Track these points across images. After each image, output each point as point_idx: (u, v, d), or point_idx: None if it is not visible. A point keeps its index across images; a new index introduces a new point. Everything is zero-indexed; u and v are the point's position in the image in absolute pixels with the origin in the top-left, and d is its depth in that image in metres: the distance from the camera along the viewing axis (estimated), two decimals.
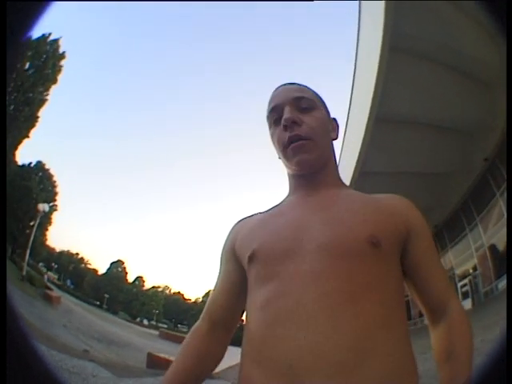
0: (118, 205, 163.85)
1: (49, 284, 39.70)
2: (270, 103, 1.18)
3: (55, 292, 31.22)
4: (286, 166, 1.16)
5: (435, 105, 13.66)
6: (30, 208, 36.95)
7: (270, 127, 1.18)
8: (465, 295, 21.81)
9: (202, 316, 1.22)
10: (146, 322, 78.29)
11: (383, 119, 13.83)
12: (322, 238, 0.95)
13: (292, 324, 0.84)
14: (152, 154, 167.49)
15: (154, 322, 79.28)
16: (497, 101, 13.08)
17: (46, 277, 52.08)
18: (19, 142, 32.70)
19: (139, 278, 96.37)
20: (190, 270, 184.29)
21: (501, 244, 17.85)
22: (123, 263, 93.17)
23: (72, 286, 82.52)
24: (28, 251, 28.58)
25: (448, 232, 24.00)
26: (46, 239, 47.20)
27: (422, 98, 13.31)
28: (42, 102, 34.03)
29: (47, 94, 34.27)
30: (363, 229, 0.96)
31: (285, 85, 1.21)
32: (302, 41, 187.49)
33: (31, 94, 31.61)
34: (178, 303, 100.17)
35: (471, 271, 21.69)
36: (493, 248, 18.69)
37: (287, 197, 1.20)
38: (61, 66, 34.99)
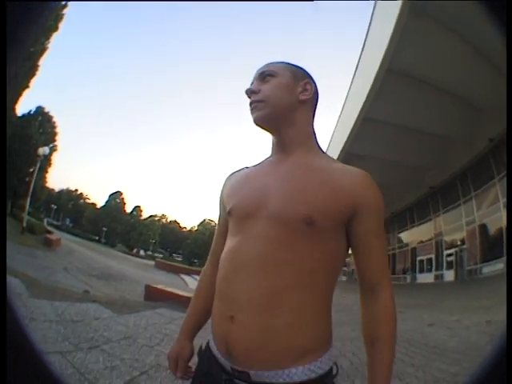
0: (115, 138, 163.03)
1: (49, 228, 39.44)
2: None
3: (55, 234, 30.84)
4: None
5: (449, 71, 13.24)
6: (29, 155, 36.13)
7: None
8: (449, 265, 21.99)
9: (208, 258, 1.50)
10: (142, 252, 78.07)
11: (394, 71, 13.48)
12: (271, 208, 1.15)
13: (238, 275, 1.13)
14: (146, 87, 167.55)
15: (150, 252, 79.45)
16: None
17: (45, 221, 51.63)
18: (20, 94, 30.92)
19: (137, 208, 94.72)
20: (186, 198, 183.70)
21: (492, 227, 17.55)
22: (121, 194, 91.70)
23: (71, 225, 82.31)
24: (28, 199, 27.98)
25: (442, 197, 23.56)
26: (46, 182, 45.87)
27: (436, 61, 12.90)
28: (43, 50, 31.77)
29: (48, 43, 32.04)
30: (301, 208, 1.11)
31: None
32: None
33: (32, 49, 29.61)
34: (174, 232, 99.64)
35: (459, 243, 21.49)
36: (483, 228, 18.43)
37: (269, 156, 1.36)
38: (63, 15, 32.37)
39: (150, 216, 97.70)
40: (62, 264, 17.57)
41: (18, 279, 5.96)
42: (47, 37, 31.87)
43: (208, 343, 1.27)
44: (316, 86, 1.35)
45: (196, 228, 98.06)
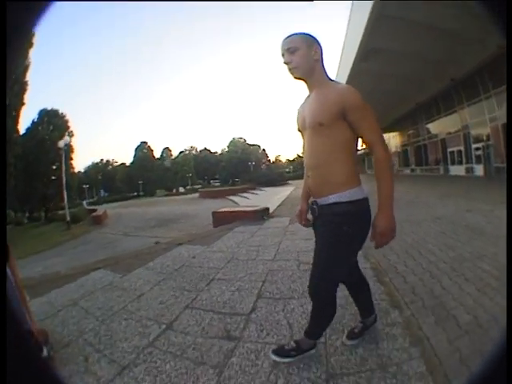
0: (121, 97, 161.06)
1: (89, 207, 40.17)
2: (280, 51, 2.25)
3: (99, 210, 31.18)
4: None
5: None
6: (49, 156, 37.61)
7: None
8: (478, 159, 22.75)
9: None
10: (182, 189, 78.99)
11: None
12: (307, 122, 2.26)
13: (307, 156, 2.32)
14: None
15: (189, 187, 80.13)
16: None
17: (84, 203, 52.67)
18: (18, 114, 31.82)
19: (165, 150, 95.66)
20: (207, 124, 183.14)
21: None
22: (146, 143, 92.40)
23: (106, 194, 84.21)
24: (65, 193, 28.03)
25: (464, 90, 23.34)
26: (74, 168, 46.64)
27: None
28: (26, 67, 31.94)
29: (28, 59, 31.93)
30: (317, 117, 2.15)
31: (285, 39, 2.21)
32: None
33: (14, 76, 29.32)
34: (207, 159, 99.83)
35: (485, 138, 21.53)
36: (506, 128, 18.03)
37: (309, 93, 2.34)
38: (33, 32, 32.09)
39: (180, 152, 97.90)
40: (120, 231, 18.07)
41: (100, 271, 5.80)
42: (25, 56, 31.35)
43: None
44: (321, 46, 2.23)
45: (227, 149, 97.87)
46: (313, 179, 2.27)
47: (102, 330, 3.53)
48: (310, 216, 2.48)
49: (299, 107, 2.42)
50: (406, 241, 5.84)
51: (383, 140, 2.11)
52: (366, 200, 2.16)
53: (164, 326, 3.41)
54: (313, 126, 2.18)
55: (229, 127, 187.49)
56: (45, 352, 2.93)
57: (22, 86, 31.37)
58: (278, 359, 2.53)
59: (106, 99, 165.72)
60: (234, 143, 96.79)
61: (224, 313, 3.51)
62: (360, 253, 4.02)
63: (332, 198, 2.14)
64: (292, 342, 2.60)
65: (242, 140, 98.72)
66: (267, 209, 10.12)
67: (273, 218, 9.64)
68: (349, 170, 2.14)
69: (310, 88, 2.27)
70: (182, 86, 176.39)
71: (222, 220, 9.74)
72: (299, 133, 2.45)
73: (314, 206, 2.30)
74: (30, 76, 32.57)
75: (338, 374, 2.34)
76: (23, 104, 32.00)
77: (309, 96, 2.30)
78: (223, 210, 10.99)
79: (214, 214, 10.45)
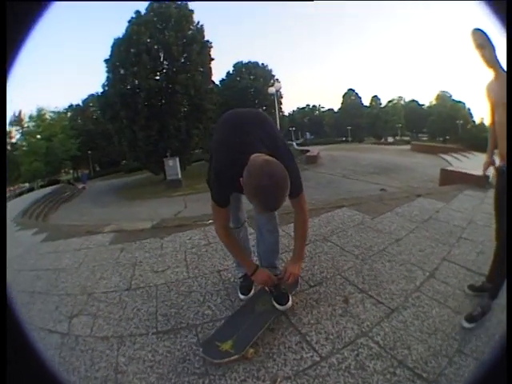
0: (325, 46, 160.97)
1: (299, 148, 42.02)
2: (471, 40, 2.77)
3: (311, 151, 31.82)
4: None
5: None
6: (253, 102, 45.18)
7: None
8: None
9: None
10: (390, 139, 76.83)
11: None
12: (495, 101, 2.99)
13: (495, 128, 3.14)
14: None
15: (398, 137, 77.35)
16: None
17: (294, 144, 54.96)
18: (209, 68, 37.09)
19: (374, 98, 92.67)
20: (414, 75, 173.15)
21: None
22: (354, 90, 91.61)
23: (312, 137, 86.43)
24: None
25: None
26: (283, 111, 49.42)
27: None
28: (201, 28, 37.06)
29: (194, 23, 37.16)
30: (501, 98, 2.78)
31: (474, 32, 2.75)
32: None
33: (184, 39, 35.18)
34: (415, 111, 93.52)
35: None
36: None
37: None
38: None
39: (389, 101, 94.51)
40: (338, 173, 18.40)
41: (344, 209, 5.89)
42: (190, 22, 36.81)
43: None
44: (493, 45, 2.70)
45: (434, 102, 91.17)
46: (501, 147, 2.98)
47: (364, 270, 3.73)
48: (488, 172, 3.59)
49: (487, 85, 3.05)
50: None
51: None
52: None
53: (428, 274, 3.67)
54: (499, 105, 2.91)
55: (433, 79, 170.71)
56: (288, 304, 2.96)
57: (203, 45, 35.57)
58: None
59: (308, 50, 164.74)
60: (441, 97, 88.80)
61: (474, 271, 3.73)
62: None
63: None
64: None
65: (447, 94, 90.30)
66: (488, 177, 9.60)
67: (492, 188, 8.85)
68: None
69: (494, 74, 2.90)
70: (390, 35, 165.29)
71: (449, 179, 9.57)
72: (489, 105, 3.10)
73: (504, 168, 2.97)
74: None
75: None
76: (212, 59, 36.74)
77: (492, 80, 2.96)
78: (451, 168, 10.82)
79: (443, 171, 10.37)
